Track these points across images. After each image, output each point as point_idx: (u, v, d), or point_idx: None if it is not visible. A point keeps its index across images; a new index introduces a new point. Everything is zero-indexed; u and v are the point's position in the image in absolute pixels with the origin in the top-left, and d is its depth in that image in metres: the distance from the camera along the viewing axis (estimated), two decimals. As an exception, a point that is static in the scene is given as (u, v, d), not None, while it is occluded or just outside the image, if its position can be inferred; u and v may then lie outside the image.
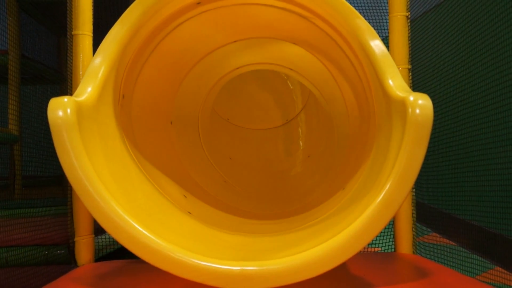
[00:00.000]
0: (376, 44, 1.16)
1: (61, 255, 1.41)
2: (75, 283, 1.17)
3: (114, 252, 1.74)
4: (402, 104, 1.01)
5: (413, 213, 1.51)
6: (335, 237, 1.00)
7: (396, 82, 1.10)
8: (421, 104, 0.98)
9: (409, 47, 1.53)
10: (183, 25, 1.48)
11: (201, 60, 1.98)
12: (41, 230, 1.35)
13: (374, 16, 2.19)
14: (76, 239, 1.42)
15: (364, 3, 2.30)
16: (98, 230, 1.48)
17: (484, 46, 1.49)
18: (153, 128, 1.82)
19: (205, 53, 1.96)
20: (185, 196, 1.53)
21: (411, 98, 0.99)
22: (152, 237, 1.00)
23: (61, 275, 1.25)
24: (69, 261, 1.42)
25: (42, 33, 1.97)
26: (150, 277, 1.11)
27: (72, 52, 1.47)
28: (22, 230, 1.28)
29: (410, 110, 0.98)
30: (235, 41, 1.95)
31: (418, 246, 1.52)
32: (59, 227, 1.41)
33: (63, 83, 1.58)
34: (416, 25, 1.75)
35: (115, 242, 1.68)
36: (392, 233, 1.55)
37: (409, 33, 1.53)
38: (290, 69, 1.97)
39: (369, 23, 1.16)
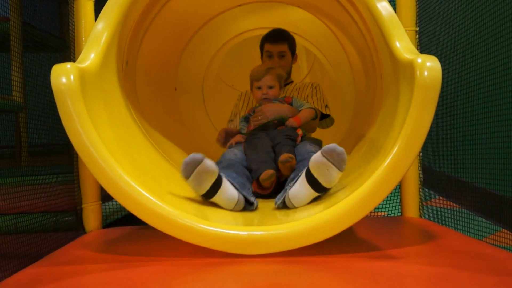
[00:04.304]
0: (383, 6, 1.13)
1: (69, 222, 1.42)
2: (84, 249, 1.18)
3: (121, 219, 1.76)
4: (410, 67, 0.99)
5: (420, 177, 1.51)
6: (342, 201, 1.00)
7: (403, 44, 1.08)
8: (429, 66, 0.96)
9: (416, 9, 1.50)
10: (186, -11, 1.45)
11: (204, 25, 1.95)
12: (48, 197, 1.36)
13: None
14: (83, 206, 1.43)
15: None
16: (105, 196, 1.49)
17: (495, 5, 1.46)
18: (158, 94, 1.81)
19: (209, 18, 1.93)
20: (191, 163, 1.52)
21: (419, 60, 0.97)
22: (159, 203, 1.00)
23: (70, 241, 1.26)
24: (77, 228, 1.43)
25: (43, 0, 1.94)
26: (158, 242, 1.11)
27: (73, 18, 1.45)
28: (30, 197, 1.28)
29: (418, 72, 0.96)
30: (239, 5, 1.92)
31: (424, 210, 1.53)
32: (66, 194, 1.41)
33: (66, 51, 1.56)
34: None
35: (122, 208, 1.69)
36: (398, 198, 1.54)
37: (417, -6, 1.50)
38: (295, 33, 1.94)
39: (376, -17, 1.14)
